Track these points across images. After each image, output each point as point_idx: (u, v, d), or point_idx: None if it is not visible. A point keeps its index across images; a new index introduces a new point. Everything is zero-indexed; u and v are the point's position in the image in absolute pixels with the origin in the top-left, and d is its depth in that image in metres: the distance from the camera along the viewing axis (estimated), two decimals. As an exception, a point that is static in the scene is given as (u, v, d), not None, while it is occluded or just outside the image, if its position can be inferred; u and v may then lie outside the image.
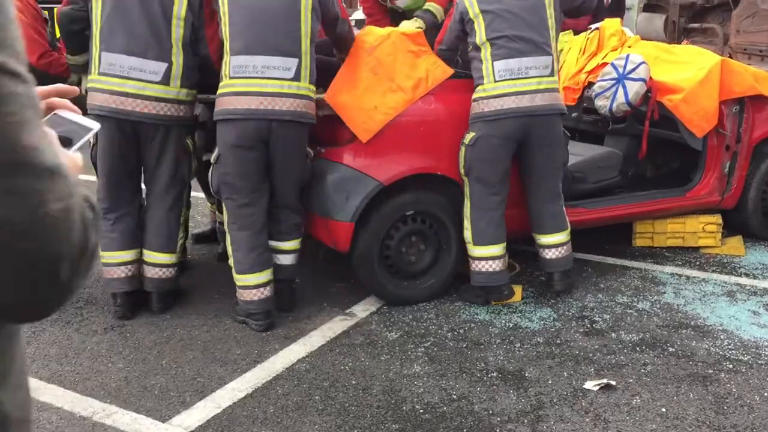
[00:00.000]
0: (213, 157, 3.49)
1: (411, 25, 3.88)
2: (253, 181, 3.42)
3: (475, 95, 3.67)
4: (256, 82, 3.32)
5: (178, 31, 3.35)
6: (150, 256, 3.65)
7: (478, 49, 3.65)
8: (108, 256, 3.57)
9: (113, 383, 3.09)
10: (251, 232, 3.49)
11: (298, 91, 3.37)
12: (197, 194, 5.71)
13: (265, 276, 3.54)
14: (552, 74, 3.68)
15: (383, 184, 3.62)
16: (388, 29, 3.80)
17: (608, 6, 11.03)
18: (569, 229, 3.86)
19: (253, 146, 3.34)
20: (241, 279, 3.53)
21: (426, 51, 3.78)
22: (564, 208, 3.86)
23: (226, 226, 3.57)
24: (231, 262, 3.57)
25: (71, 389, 3.04)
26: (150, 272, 3.66)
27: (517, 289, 3.93)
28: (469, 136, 3.64)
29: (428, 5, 3.91)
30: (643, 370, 3.18)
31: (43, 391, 3.00)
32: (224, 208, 3.56)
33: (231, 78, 3.35)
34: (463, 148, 3.64)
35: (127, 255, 3.59)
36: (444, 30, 3.93)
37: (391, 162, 3.65)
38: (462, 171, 3.68)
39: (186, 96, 3.45)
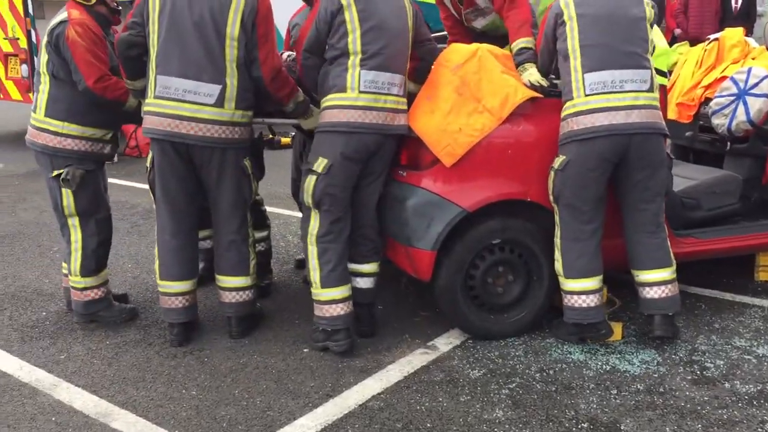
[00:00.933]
0: (320, 167, 3.37)
1: (534, 77, 3.53)
2: (350, 194, 3.43)
3: (563, 112, 3.37)
4: (380, 97, 3.36)
5: (231, 51, 3.29)
6: (223, 280, 3.61)
7: (567, 58, 3.35)
8: (166, 286, 3.54)
9: (184, 412, 3.03)
10: (343, 245, 3.46)
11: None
12: (292, 213, 5.73)
13: (348, 291, 3.47)
14: (651, 90, 3.33)
15: (468, 211, 3.40)
16: (475, 45, 3.57)
17: (737, 13, 10.31)
18: (674, 266, 3.46)
19: (362, 159, 3.37)
20: (328, 293, 3.43)
21: (513, 70, 3.54)
22: (668, 241, 3.47)
23: (312, 239, 3.46)
24: (314, 277, 3.45)
25: (143, 416, 3.00)
26: (226, 297, 3.62)
27: (617, 327, 3.57)
28: (558, 160, 3.35)
29: (522, 41, 3.58)
30: (760, 430, 2.77)
31: (116, 416, 2.99)
32: (315, 220, 3.45)
33: (361, 92, 3.33)
34: (552, 173, 3.36)
35: (185, 285, 3.55)
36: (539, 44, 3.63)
37: (476, 187, 3.42)
38: (551, 197, 3.39)
39: (241, 118, 3.38)
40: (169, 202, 3.48)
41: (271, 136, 4.28)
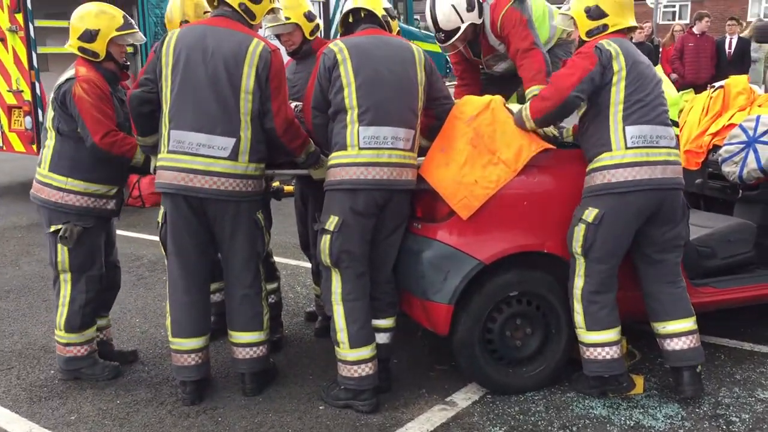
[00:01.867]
0: (332, 225, 3.35)
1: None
2: (367, 249, 3.41)
3: (595, 164, 3.34)
4: (383, 152, 3.32)
5: (246, 105, 3.29)
6: (236, 336, 3.55)
7: (605, 110, 3.31)
8: (179, 343, 3.48)
9: (199, 475, 2.94)
10: (368, 302, 3.44)
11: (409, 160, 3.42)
12: (299, 263, 5.68)
13: (374, 349, 3.44)
14: (677, 146, 3.39)
15: (484, 263, 3.37)
16: (488, 97, 3.58)
17: (731, 59, 10.48)
18: (695, 316, 3.42)
19: (372, 213, 3.35)
20: (357, 353, 3.37)
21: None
22: (686, 291, 3.44)
23: (336, 298, 3.40)
24: (341, 337, 3.38)
25: (156, 481, 2.92)
26: (240, 353, 3.55)
27: (638, 380, 3.51)
28: (591, 213, 3.29)
29: (535, 89, 3.59)
30: (794, 487, 2.69)
31: (129, 481, 2.90)
32: (337, 280, 3.41)
33: (361, 149, 3.29)
34: (583, 226, 3.30)
35: (198, 342, 3.49)
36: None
37: (492, 239, 3.39)
38: (578, 250, 3.34)
39: (254, 171, 3.37)
40: (182, 258, 3.43)
41: (275, 185, 4.28)
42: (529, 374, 3.54)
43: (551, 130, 3.49)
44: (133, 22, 3.76)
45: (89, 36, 3.55)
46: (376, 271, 3.48)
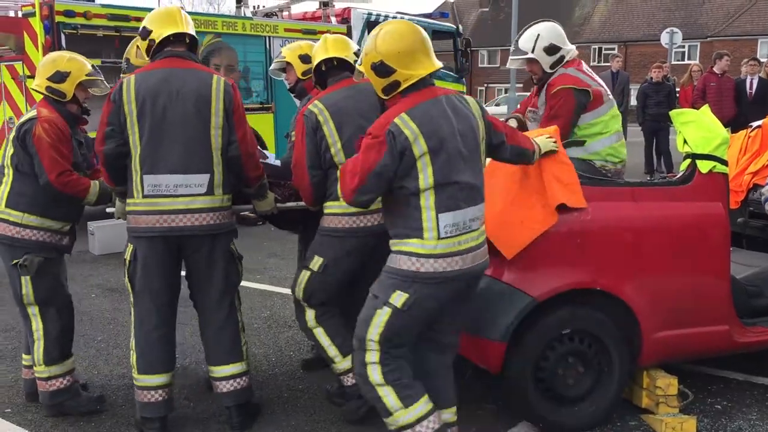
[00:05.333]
0: (315, 266, 3.58)
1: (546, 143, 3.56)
2: (342, 289, 3.66)
3: (403, 247, 2.91)
4: None
5: (216, 140, 3.41)
6: (219, 370, 3.56)
7: (416, 194, 2.92)
8: (145, 380, 3.48)
9: None
10: (341, 318, 3.69)
11: None
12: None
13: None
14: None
15: (537, 300, 3.36)
16: (534, 134, 3.59)
17: (752, 99, 10.55)
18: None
19: (359, 257, 3.57)
20: (346, 362, 3.57)
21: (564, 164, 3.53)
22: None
23: (312, 324, 3.68)
24: (332, 352, 3.63)
25: None
26: (224, 387, 3.55)
27: (691, 422, 3.46)
28: (401, 299, 2.90)
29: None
30: None
31: None
32: (309, 311, 3.68)
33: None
34: (389, 311, 2.91)
35: (165, 378, 3.51)
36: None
37: (545, 276, 3.39)
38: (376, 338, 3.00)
39: (227, 202, 3.51)
40: (152, 296, 3.45)
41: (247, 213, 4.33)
42: (581, 413, 3.50)
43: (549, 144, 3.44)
44: (100, 73, 3.89)
45: (59, 77, 3.70)
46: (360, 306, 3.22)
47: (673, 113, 3.90)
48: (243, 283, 5.69)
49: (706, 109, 3.87)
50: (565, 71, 3.97)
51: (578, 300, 3.47)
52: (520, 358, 3.39)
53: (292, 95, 4.27)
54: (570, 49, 4.03)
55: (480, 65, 41.22)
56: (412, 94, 2.90)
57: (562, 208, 3.37)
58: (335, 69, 3.64)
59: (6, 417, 3.77)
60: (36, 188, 3.62)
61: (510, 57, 4.23)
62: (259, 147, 3.81)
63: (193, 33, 3.55)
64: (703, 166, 3.65)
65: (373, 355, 2.95)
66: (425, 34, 2.98)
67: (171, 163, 3.33)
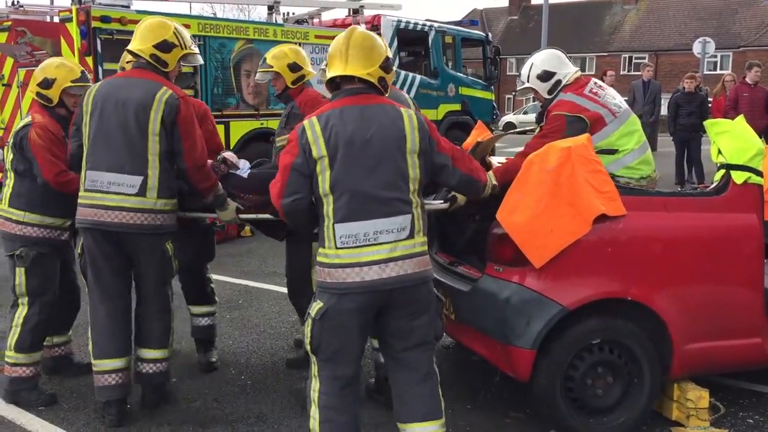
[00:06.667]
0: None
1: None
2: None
3: (317, 256, 2.92)
4: None
5: (154, 146, 3.62)
6: (146, 353, 3.81)
7: (318, 198, 2.95)
8: (100, 364, 3.69)
9: None
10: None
11: None
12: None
13: None
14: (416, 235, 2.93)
15: (568, 309, 3.34)
16: (568, 143, 3.57)
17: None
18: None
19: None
20: None
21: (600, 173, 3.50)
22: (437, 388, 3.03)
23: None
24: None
25: None
26: (146, 368, 3.80)
27: (723, 435, 3.42)
28: (315, 308, 2.87)
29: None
30: None
31: None
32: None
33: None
34: (309, 321, 2.89)
35: (119, 363, 3.71)
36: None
37: (576, 285, 3.37)
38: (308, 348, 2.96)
39: (163, 206, 3.68)
40: (101, 285, 3.71)
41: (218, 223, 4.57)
42: (610, 424, 3.47)
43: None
44: (90, 77, 4.19)
45: (47, 83, 3.97)
46: None
47: (707, 123, 3.86)
48: (268, 287, 5.81)
49: (741, 119, 3.82)
50: (563, 96, 3.93)
51: (609, 310, 3.45)
52: (548, 367, 3.38)
53: (279, 100, 4.46)
54: (567, 73, 3.98)
55: (508, 73, 40.99)
56: (337, 100, 2.94)
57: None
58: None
59: (39, 414, 3.84)
60: (34, 189, 3.93)
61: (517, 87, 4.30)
62: (233, 156, 4.17)
63: (158, 48, 3.69)
64: (738, 176, 3.61)
65: (313, 368, 2.95)
66: (348, 42, 2.95)
67: (107, 161, 3.60)
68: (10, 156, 3.99)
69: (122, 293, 3.76)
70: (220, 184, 3.83)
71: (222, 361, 4.60)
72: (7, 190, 4.02)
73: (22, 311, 3.97)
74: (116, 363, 3.68)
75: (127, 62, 4.05)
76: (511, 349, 3.39)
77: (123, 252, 3.70)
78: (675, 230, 3.52)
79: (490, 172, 3.51)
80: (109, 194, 3.59)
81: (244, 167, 4.16)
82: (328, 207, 2.83)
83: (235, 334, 5.16)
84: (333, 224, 2.81)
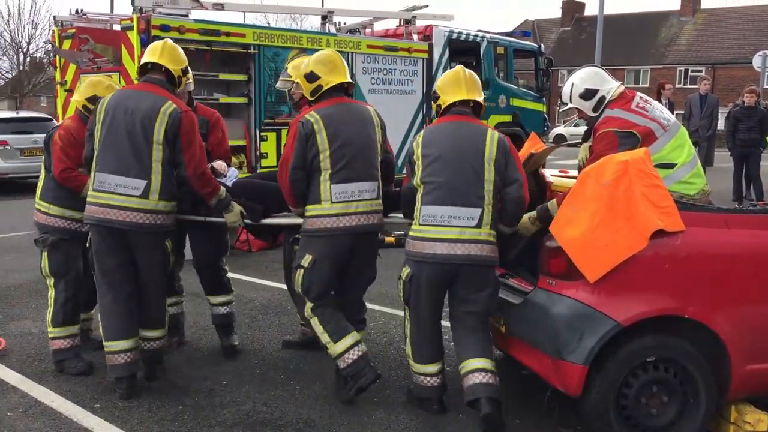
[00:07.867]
0: (306, 262, 4.00)
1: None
2: (334, 281, 4.15)
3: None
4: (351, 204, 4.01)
5: (158, 153, 4.01)
6: (146, 333, 4.24)
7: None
8: (111, 345, 4.08)
9: None
10: (333, 308, 4.12)
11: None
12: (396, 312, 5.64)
13: (356, 336, 4.05)
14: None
15: (622, 325, 3.28)
16: (625, 156, 3.51)
17: None
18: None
19: (342, 254, 4.04)
20: (342, 343, 3.97)
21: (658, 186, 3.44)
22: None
23: (309, 314, 4.07)
24: (325, 338, 3.99)
25: None
26: (146, 345, 4.25)
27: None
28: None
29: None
30: None
31: None
32: (307, 303, 4.08)
33: (333, 202, 3.96)
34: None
35: (127, 343, 4.10)
36: None
37: (631, 301, 3.32)
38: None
39: (164, 207, 4.07)
40: (107, 276, 4.10)
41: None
42: (664, 445, 3.40)
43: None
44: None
45: (95, 100, 4.36)
46: (349, 294, 4.24)
47: (770, 139, 3.75)
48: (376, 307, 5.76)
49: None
50: (611, 113, 3.86)
51: (665, 327, 3.38)
52: (601, 383, 3.33)
53: (295, 109, 4.77)
54: (610, 88, 3.93)
55: (560, 85, 40.61)
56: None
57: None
58: (332, 89, 4.08)
59: (95, 412, 3.94)
60: (58, 184, 4.41)
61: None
62: (222, 165, 4.60)
63: (171, 65, 4.16)
64: (802, 194, 3.50)
65: (405, 312, 3.92)
66: (465, 75, 3.89)
67: (115, 166, 3.99)
68: (44, 155, 4.57)
69: (126, 282, 4.12)
70: (222, 189, 4.25)
71: (271, 365, 4.66)
72: (40, 185, 4.58)
73: (51, 292, 4.49)
74: (124, 344, 4.09)
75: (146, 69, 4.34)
76: (563, 364, 3.34)
77: (126, 246, 4.06)
78: (735, 247, 3.43)
79: (553, 201, 3.78)
80: (116, 195, 3.97)
81: (231, 175, 4.66)
82: (419, 193, 3.74)
83: (279, 335, 5.20)
84: (421, 206, 3.73)
